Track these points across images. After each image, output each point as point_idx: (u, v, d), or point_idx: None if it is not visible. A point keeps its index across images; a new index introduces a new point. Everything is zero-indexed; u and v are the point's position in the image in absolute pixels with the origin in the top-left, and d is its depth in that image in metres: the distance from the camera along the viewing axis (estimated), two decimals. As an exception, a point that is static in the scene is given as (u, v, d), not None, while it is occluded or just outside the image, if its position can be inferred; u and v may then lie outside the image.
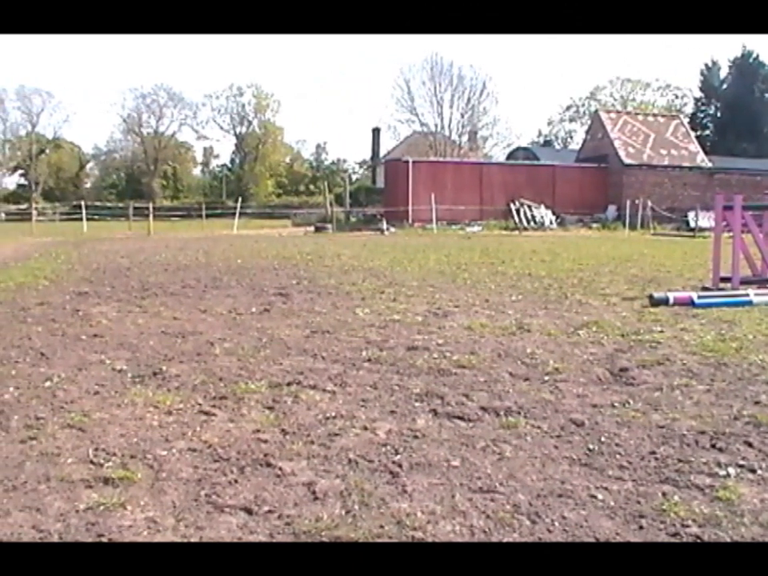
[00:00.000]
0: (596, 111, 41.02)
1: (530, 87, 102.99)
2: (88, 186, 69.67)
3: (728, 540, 2.40)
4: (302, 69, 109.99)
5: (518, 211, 32.07)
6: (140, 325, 6.44)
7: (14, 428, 3.51)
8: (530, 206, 32.38)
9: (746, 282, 9.11)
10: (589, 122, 43.18)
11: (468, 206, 31.38)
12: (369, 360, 5.03)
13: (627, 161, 33.88)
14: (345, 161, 76.59)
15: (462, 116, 51.76)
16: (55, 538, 2.40)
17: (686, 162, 34.97)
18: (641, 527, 2.49)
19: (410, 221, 30.39)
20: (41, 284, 9.64)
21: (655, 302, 7.57)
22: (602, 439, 3.39)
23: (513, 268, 12.24)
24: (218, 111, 67.56)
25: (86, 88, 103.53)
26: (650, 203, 31.33)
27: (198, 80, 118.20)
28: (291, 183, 69.42)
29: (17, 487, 2.80)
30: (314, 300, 8.11)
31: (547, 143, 68.04)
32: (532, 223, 31.59)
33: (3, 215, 46.93)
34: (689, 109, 62.24)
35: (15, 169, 65.71)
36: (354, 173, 71.56)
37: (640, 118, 37.55)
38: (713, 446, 3.30)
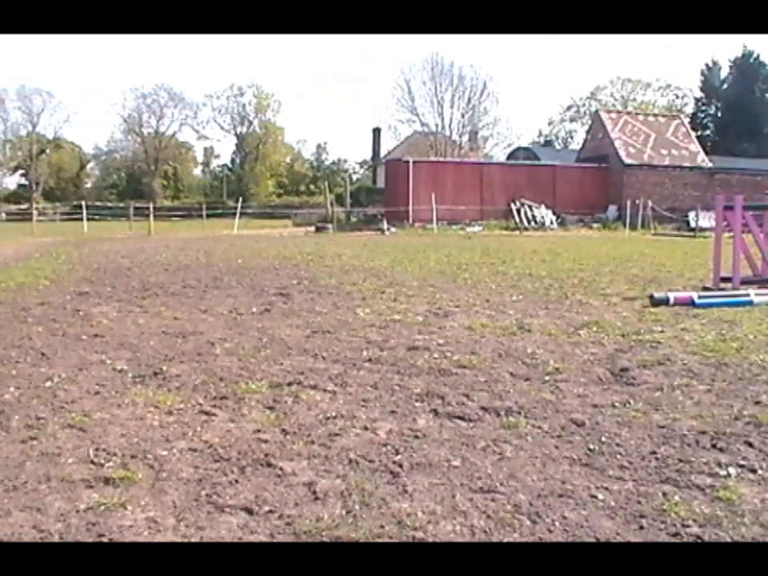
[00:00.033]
0: (596, 111, 41.00)
1: (531, 87, 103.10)
2: (88, 185, 69.70)
3: (728, 540, 2.40)
4: (302, 69, 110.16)
5: (518, 211, 32.07)
6: (141, 325, 6.44)
7: (15, 428, 3.51)
8: (530, 206, 32.37)
9: (746, 282, 9.11)
10: (589, 122, 43.15)
11: (468, 206, 31.38)
12: (369, 360, 5.03)
13: (628, 161, 33.87)
14: (345, 161, 76.69)
15: (463, 116, 51.81)
16: (56, 538, 2.40)
17: (687, 162, 34.96)
18: (641, 527, 2.49)
19: (411, 221, 30.39)
20: (41, 284, 9.64)
21: (656, 302, 7.57)
22: (603, 439, 3.39)
23: (513, 268, 12.24)
24: (218, 111, 67.67)
25: (86, 88, 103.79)
26: (650, 203, 31.32)
27: (199, 80, 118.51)
28: (292, 183, 69.43)
29: (17, 487, 2.80)
30: (314, 300, 8.11)
31: (548, 143, 68.02)
32: (532, 223, 31.59)
33: (4, 215, 46.95)
34: (689, 109, 62.22)
35: (16, 169, 65.77)
36: (355, 173, 71.60)
37: (640, 118, 37.54)
38: (713, 446, 3.30)
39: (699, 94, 61.34)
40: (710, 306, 7.45)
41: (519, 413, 3.80)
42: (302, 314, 7.07)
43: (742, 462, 3.10)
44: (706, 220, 27.78)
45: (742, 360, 5.01)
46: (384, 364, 4.92)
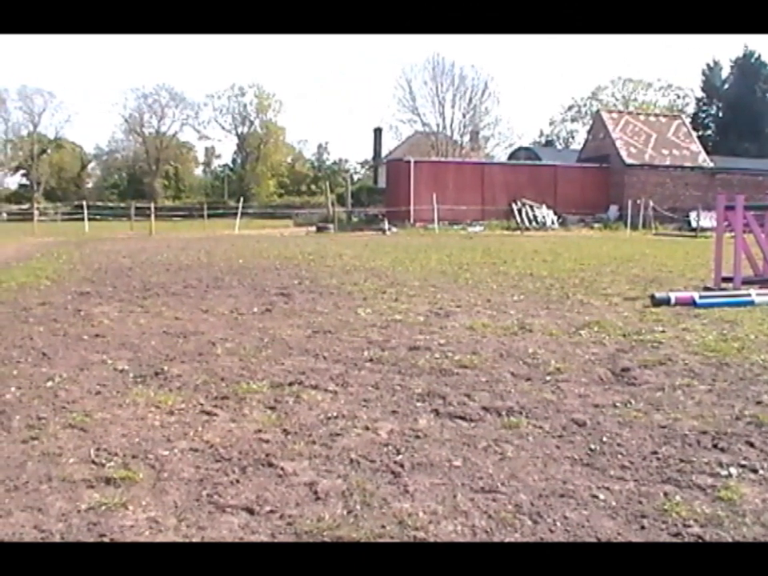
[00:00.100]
0: (598, 111, 40.98)
1: (532, 87, 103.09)
2: (90, 186, 69.74)
3: (730, 540, 2.40)
4: (302, 69, 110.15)
5: (519, 211, 32.04)
6: (142, 325, 6.44)
7: (16, 428, 3.51)
8: (531, 206, 32.35)
9: (747, 282, 9.11)
10: (590, 122, 43.10)
11: (470, 206, 31.35)
12: (370, 360, 5.03)
13: (629, 161, 33.83)
14: (346, 161, 76.62)
15: (464, 116, 51.79)
16: (57, 538, 2.40)
17: (688, 162, 34.92)
18: (642, 527, 2.49)
19: (412, 221, 30.37)
20: (42, 284, 9.65)
21: (657, 302, 7.57)
22: (604, 439, 3.39)
23: (514, 268, 12.24)
24: (219, 111, 67.65)
25: (87, 88, 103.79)
26: (651, 203, 31.28)
27: (200, 80, 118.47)
28: (293, 183, 69.42)
29: (18, 487, 2.80)
30: (315, 300, 8.11)
31: (549, 143, 67.98)
32: (534, 223, 31.56)
33: (5, 215, 46.98)
34: (690, 109, 62.17)
35: (17, 169, 65.81)
36: (356, 173, 71.61)
37: (642, 118, 37.50)
38: (714, 446, 3.30)
39: (700, 94, 61.33)
40: (712, 305, 7.44)
41: (520, 413, 3.80)
42: (303, 314, 7.07)
43: (743, 462, 3.10)
44: (707, 220, 27.75)
45: (743, 360, 5.01)
46: (385, 364, 4.92)
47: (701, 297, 7.74)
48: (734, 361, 4.99)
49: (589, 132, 39.42)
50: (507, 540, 2.40)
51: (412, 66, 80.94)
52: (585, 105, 67.35)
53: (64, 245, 19.81)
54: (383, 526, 2.47)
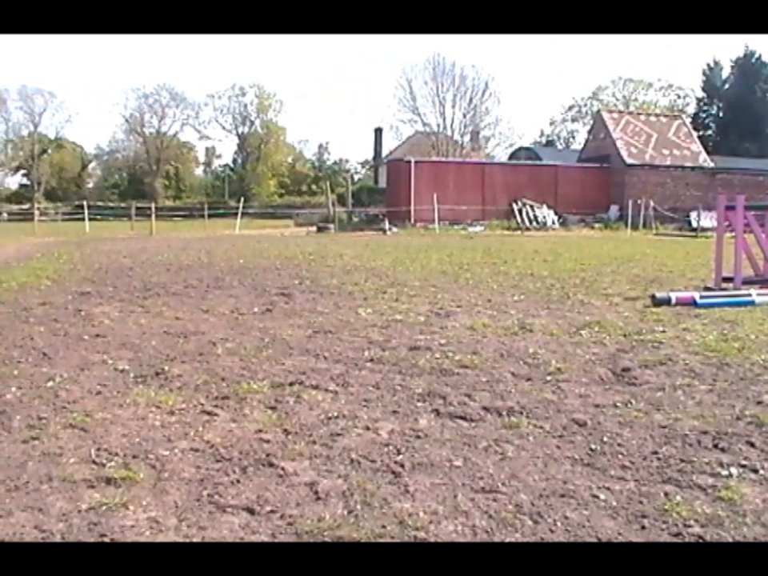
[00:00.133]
0: (598, 111, 40.98)
1: (532, 87, 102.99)
2: (90, 186, 69.74)
3: (730, 540, 2.40)
4: (302, 69, 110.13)
5: (520, 211, 32.03)
6: (142, 325, 6.45)
7: (17, 428, 3.51)
8: (532, 206, 32.34)
9: (748, 282, 9.11)
10: (591, 122, 43.11)
11: (470, 206, 31.35)
12: (371, 360, 5.03)
13: (629, 161, 33.82)
14: (347, 161, 76.61)
15: (465, 116, 51.79)
16: (57, 538, 2.40)
17: (689, 162, 34.91)
18: (643, 527, 2.49)
19: (413, 221, 30.37)
20: (43, 284, 9.65)
21: (657, 302, 7.57)
22: (605, 439, 3.39)
23: (515, 268, 12.24)
24: (220, 111, 67.65)
25: (88, 88, 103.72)
26: (652, 203, 31.27)
27: (200, 80, 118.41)
28: (293, 183, 69.41)
29: (19, 487, 2.80)
30: (316, 300, 8.11)
31: (549, 143, 67.97)
32: (534, 223, 31.56)
33: (5, 215, 46.98)
34: (691, 109, 62.14)
35: (17, 169, 65.83)
36: (357, 173, 71.62)
37: (642, 118, 37.49)
38: (715, 446, 3.29)
39: (701, 94, 61.29)
40: (712, 305, 7.44)
41: (521, 413, 3.80)
42: (303, 314, 7.07)
43: (743, 462, 3.09)
44: (707, 220, 27.75)
45: (744, 360, 5.01)
46: (386, 364, 4.92)
47: (701, 297, 7.74)
48: (734, 361, 4.99)
49: (589, 132, 39.42)
50: (508, 540, 2.40)
51: (412, 66, 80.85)
52: (585, 105, 67.38)
53: (64, 245, 19.82)
54: (384, 526, 2.47)
